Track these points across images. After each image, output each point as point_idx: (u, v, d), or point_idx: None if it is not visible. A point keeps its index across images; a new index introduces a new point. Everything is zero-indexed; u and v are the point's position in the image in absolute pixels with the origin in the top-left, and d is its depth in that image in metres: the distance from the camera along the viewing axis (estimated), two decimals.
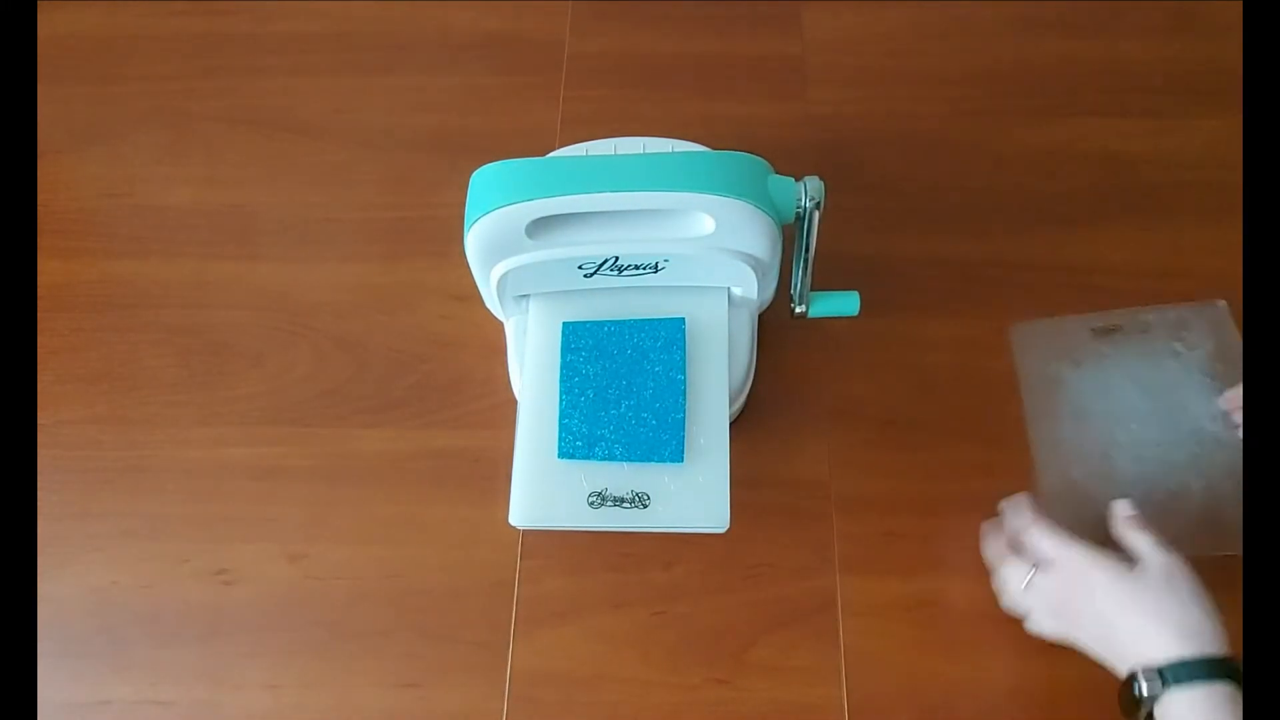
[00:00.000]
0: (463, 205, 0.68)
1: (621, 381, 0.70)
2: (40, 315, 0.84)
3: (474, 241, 0.68)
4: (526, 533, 0.74)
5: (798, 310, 0.73)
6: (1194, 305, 0.78)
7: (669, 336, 0.71)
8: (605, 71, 0.96)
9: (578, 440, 0.67)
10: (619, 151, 0.73)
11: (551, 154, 0.82)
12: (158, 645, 0.71)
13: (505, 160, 0.68)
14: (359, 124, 0.94)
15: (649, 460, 0.67)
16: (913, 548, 0.73)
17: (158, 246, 0.88)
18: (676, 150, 0.79)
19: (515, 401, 0.77)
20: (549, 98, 0.94)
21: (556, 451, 0.67)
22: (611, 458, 0.67)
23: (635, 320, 0.72)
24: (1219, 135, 0.89)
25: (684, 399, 0.69)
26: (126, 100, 0.96)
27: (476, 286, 0.74)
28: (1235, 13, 0.97)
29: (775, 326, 0.80)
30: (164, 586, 0.73)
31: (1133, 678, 0.55)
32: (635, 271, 0.71)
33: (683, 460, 0.67)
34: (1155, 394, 0.75)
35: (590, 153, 0.81)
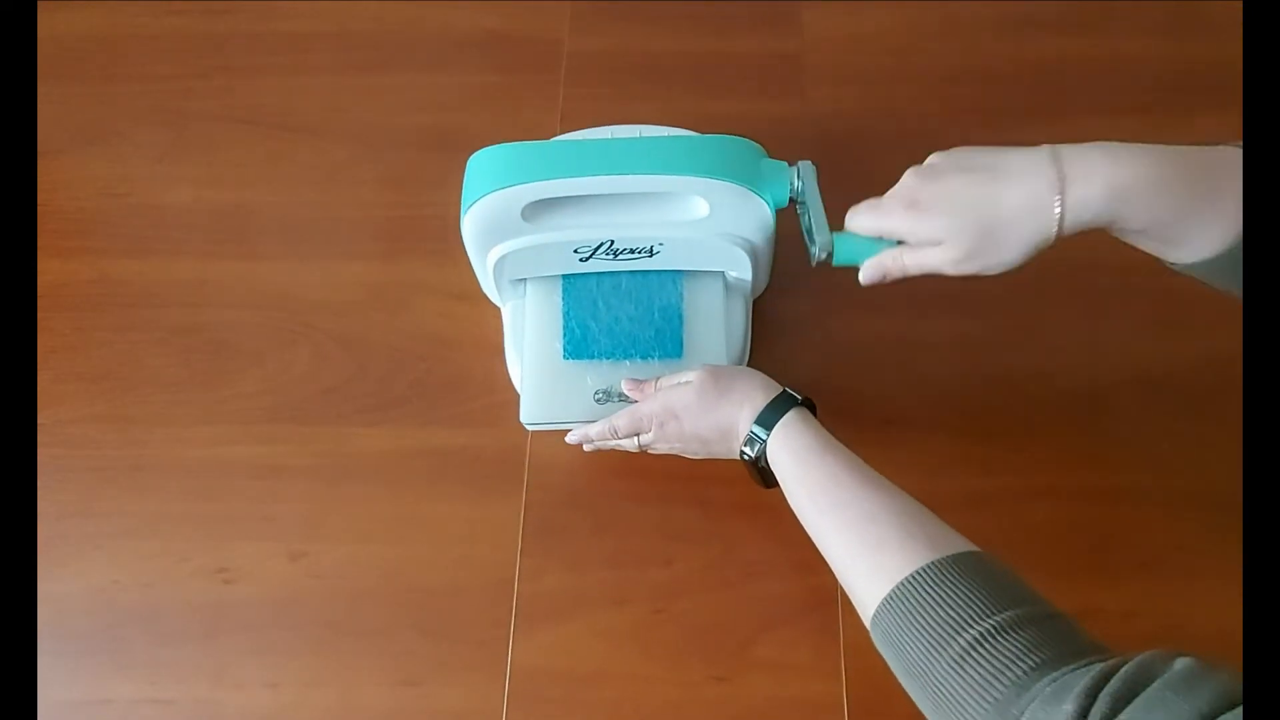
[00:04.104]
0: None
1: (622, 289, 0.74)
2: (40, 315, 0.84)
3: (470, 224, 0.68)
4: (526, 530, 0.74)
5: (819, 257, 0.63)
6: None
7: (667, 275, 0.75)
8: (604, 70, 0.96)
9: (581, 341, 0.72)
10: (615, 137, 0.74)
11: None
12: (158, 644, 0.71)
13: (501, 144, 0.68)
14: (358, 123, 0.94)
15: (650, 358, 0.71)
16: None
17: (158, 246, 0.88)
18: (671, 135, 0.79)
19: (515, 399, 0.77)
20: (548, 96, 0.94)
21: (561, 354, 0.72)
22: (615, 356, 0.71)
23: (632, 272, 0.75)
24: (1217, 133, 0.89)
25: (681, 302, 0.73)
26: (126, 100, 0.96)
27: (476, 280, 0.75)
28: (1234, 11, 0.97)
29: (776, 328, 0.80)
30: (165, 585, 0.73)
31: (743, 454, 0.64)
32: (630, 256, 0.72)
33: (682, 356, 0.71)
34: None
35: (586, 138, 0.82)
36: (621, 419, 0.68)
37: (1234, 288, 0.53)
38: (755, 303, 0.80)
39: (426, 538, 0.74)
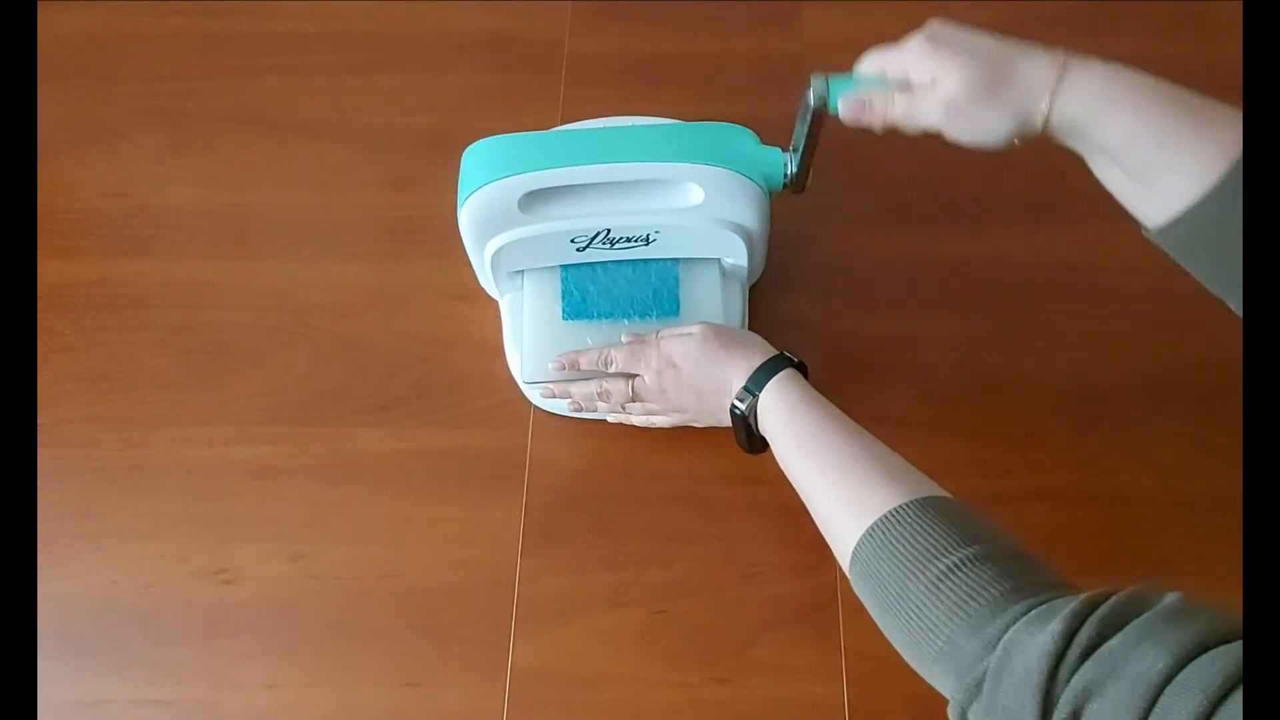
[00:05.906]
0: None
1: (619, 264, 0.75)
2: (40, 315, 0.84)
3: (468, 216, 0.68)
4: (526, 531, 0.74)
5: (813, 102, 0.63)
6: None
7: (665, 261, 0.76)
8: (605, 71, 0.96)
9: (580, 303, 0.73)
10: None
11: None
12: (157, 644, 0.71)
13: (497, 135, 0.68)
14: (359, 124, 0.94)
15: (648, 316, 0.73)
16: None
17: (158, 246, 0.88)
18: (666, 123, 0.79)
19: (515, 400, 0.77)
20: (549, 97, 0.94)
21: (561, 315, 0.73)
22: (613, 316, 0.73)
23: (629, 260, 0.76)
24: None
25: (677, 265, 0.74)
26: (126, 100, 0.96)
27: (476, 280, 0.75)
28: (1235, 13, 0.97)
29: (777, 328, 0.80)
30: (164, 586, 0.73)
31: (733, 408, 0.65)
32: (627, 244, 0.72)
33: (679, 315, 0.73)
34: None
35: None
36: (619, 351, 0.70)
37: (1208, 273, 0.55)
38: (756, 303, 0.80)
39: (426, 538, 0.74)
